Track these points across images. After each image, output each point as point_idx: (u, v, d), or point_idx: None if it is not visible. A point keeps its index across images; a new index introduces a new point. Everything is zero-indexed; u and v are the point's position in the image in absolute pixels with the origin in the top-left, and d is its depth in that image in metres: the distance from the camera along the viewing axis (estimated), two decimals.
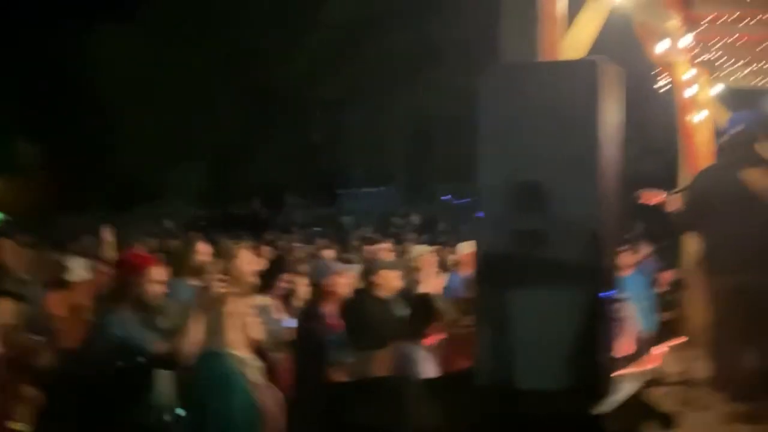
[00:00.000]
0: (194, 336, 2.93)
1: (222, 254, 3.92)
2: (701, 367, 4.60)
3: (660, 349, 5.83)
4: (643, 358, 5.84)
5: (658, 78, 6.54)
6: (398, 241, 9.50)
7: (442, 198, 23.91)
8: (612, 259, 2.55)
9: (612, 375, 2.52)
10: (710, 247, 4.19)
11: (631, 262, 7.42)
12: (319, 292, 4.06)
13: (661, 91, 6.58)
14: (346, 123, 22.40)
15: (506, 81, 2.56)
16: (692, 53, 6.01)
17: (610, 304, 2.44)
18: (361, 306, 4.07)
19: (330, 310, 3.95)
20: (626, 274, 7.28)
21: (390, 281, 4.43)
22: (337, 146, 22.78)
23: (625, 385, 2.55)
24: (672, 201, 4.36)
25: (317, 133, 23.45)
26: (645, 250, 8.18)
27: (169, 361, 2.92)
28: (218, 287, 2.97)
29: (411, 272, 5.32)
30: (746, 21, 5.43)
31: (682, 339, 5.65)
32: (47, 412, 2.91)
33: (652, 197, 4.60)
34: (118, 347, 2.98)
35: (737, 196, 3.98)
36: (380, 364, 2.11)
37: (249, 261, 3.85)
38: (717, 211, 4.08)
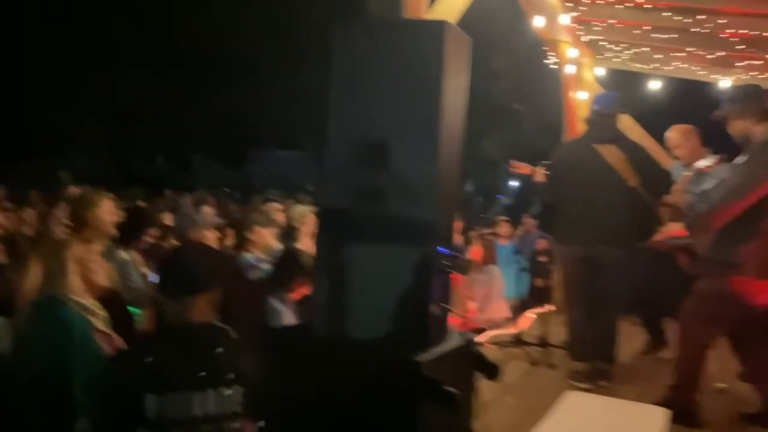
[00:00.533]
0: (31, 281, 2.81)
1: (81, 201, 3.78)
2: (560, 332, 4.92)
3: (528, 315, 6.18)
4: (512, 321, 6.18)
5: (548, 55, 6.78)
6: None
7: None
8: (450, 218, 2.65)
9: (444, 327, 2.64)
10: (561, 218, 4.45)
11: (508, 232, 7.82)
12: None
13: (551, 67, 6.83)
14: (261, 85, 21.87)
15: (357, 36, 2.56)
16: (574, 33, 6.27)
17: (445, 260, 2.54)
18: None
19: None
20: (503, 243, 7.66)
21: (263, 239, 4.44)
22: (250, 108, 22.26)
23: (455, 336, 2.68)
24: (538, 172, 4.58)
25: (229, 94, 22.76)
26: (529, 221, 8.56)
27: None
28: (61, 232, 2.86)
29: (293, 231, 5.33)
30: (624, 4, 5.70)
31: (551, 306, 6.00)
32: None
33: (522, 167, 4.82)
34: None
35: (588, 170, 4.24)
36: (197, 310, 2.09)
37: (110, 211, 3.73)
38: (570, 183, 4.34)
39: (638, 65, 7.10)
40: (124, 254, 3.92)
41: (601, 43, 6.76)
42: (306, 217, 5.21)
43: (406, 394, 2.30)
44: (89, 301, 2.89)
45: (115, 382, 2.07)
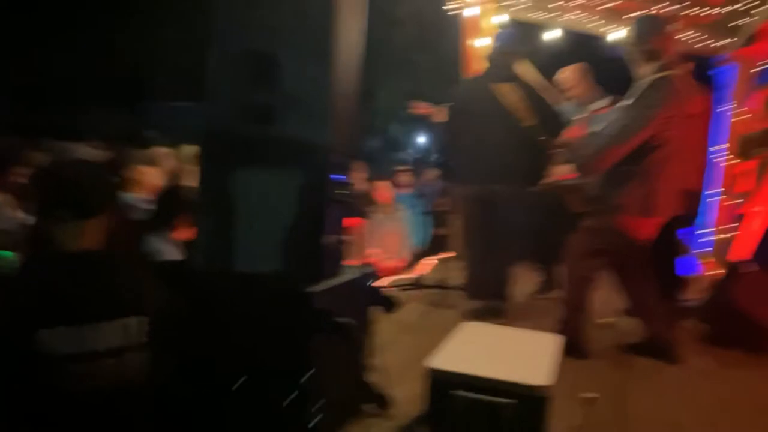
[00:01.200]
0: None
1: None
2: (458, 275, 4.98)
3: (429, 260, 6.24)
4: (413, 266, 6.22)
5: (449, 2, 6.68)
6: None
7: None
8: (347, 143, 2.52)
9: (339, 258, 2.54)
10: (459, 157, 4.45)
11: (408, 181, 7.79)
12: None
13: (451, 14, 6.74)
14: (160, 28, 20.45)
15: None
16: None
17: (340, 189, 2.42)
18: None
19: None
20: (404, 192, 7.64)
21: (146, 178, 4.14)
22: (144, 54, 20.85)
23: (351, 270, 2.59)
24: (438, 112, 4.53)
25: (121, 36, 21.14)
26: (430, 172, 8.59)
27: None
28: None
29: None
30: None
31: (451, 253, 6.06)
32: None
33: (422, 107, 4.75)
34: None
35: (485, 108, 4.23)
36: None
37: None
38: (467, 121, 4.32)
39: (536, 14, 7.15)
40: None
41: None
42: (194, 157, 4.93)
43: (298, 325, 2.18)
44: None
45: None
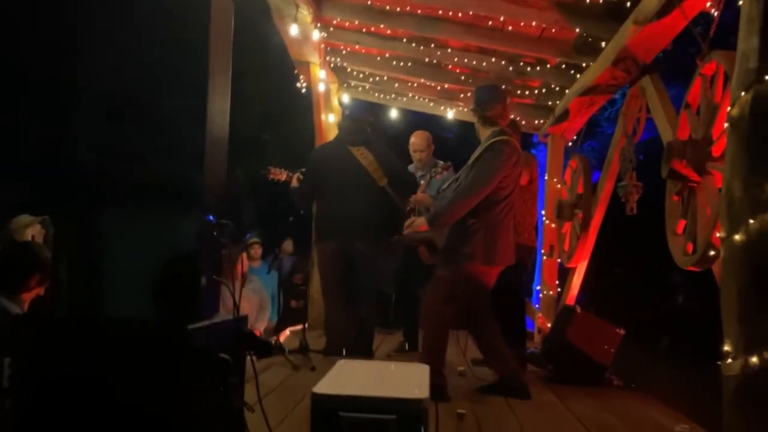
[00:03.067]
0: None
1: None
2: (319, 343, 5.03)
3: (287, 330, 6.20)
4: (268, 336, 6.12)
5: (300, 81, 6.98)
6: None
7: None
8: (219, 185, 2.56)
9: (215, 298, 2.52)
10: (318, 216, 4.64)
11: (258, 254, 7.66)
12: None
13: (303, 91, 7.04)
14: None
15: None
16: (324, 55, 6.59)
17: (215, 228, 2.45)
18: None
19: None
20: (255, 265, 7.51)
21: None
22: None
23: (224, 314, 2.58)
24: (294, 177, 4.70)
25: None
26: (285, 244, 8.49)
27: None
28: None
29: None
30: (366, 31, 6.17)
31: (304, 324, 6.08)
32: None
33: (278, 173, 4.90)
34: None
35: (341, 169, 4.49)
36: None
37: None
38: (324, 182, 4.54)
39: (378, 95, 7.70)
40: None
41: (348, 70, 7.22)
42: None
43: (177, 363, 2.12)
44: None
45: None
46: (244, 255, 7.08)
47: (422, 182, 4.70)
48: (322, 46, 6.40)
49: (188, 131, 2.34)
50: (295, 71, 6.75)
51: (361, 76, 7.23)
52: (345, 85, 7.49)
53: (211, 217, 2.49)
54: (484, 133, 3.95)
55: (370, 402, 2.08)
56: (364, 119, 4.71)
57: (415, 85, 7.32)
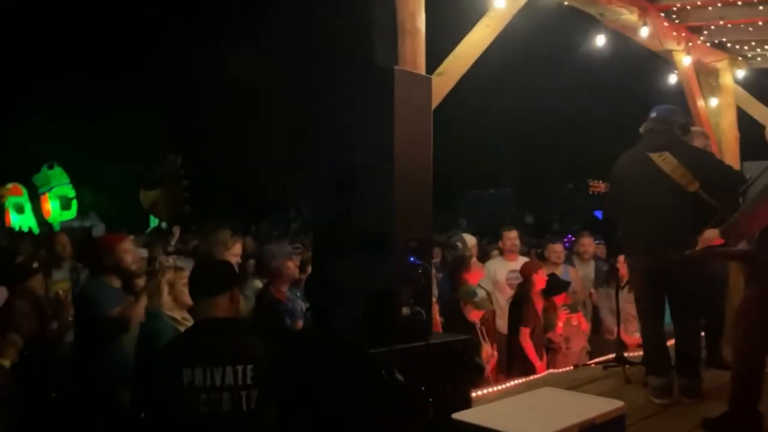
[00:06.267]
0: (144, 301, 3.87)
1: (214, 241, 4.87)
2: None
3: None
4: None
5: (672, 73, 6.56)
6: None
7: None
8: (417, 233, 3.06)
9: (419, 326, 3.03)
10: (625, 230, 4.42)
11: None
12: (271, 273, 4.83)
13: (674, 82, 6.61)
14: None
15: (337, 84, 3.17)
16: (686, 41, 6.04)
17: (414, 270, 2.98)
18: None
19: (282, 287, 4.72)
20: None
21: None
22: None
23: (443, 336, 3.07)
24: (600, 186, 4.62)
25: None
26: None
27: (122, 322, 3.85)
28: (163, 262, 3.87)
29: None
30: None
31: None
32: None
33: (598, 186, 4.88)
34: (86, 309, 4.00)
35: (643, 179, 4.19)
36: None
37: (236, 253, 4.76)
38: (628, 194, 4.30)
39: None
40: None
41: (728, 45, 6.39)
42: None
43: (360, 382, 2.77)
44: (179, 314, 3.83)
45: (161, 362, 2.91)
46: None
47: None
48: (683, 34, 5.91)
49: (383, 193, 2.96)
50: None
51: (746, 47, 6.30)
52: (740, 58, 6.60)
53: (413, 259, 3.03)
54: None
55: None
56: (672, 120, 4.29)
57: None
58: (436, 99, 3.93)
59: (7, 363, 3.51)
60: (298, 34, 21.23)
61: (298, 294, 4.62)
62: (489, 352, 5.01)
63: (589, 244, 7.10)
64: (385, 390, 2.75)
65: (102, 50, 24.26)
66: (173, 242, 8.19)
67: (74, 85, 24.76)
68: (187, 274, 3.83)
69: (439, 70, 4.04)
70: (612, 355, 5.23)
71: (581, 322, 5.84)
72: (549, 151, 23.47)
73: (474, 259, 5.66)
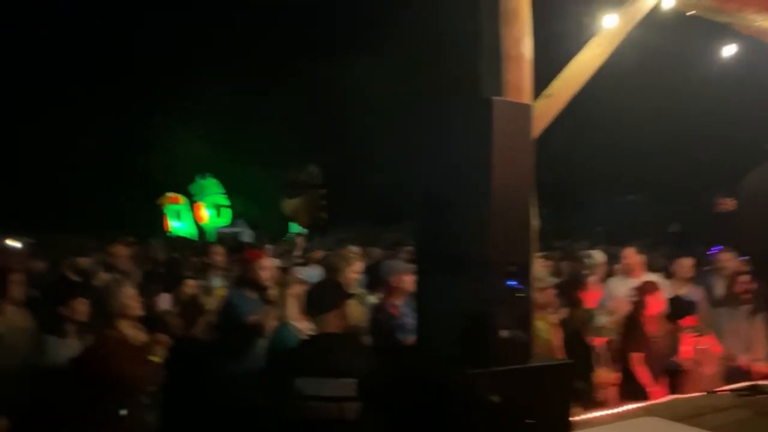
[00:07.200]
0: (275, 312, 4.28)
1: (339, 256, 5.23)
2: None
3: None
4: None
5: None
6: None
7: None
8: (512, 257, 3.14)
9: (518, 349, 3.10)
10: (755, 251, 4.14)
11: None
12: (387, 287, 5.05)
13: None
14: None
15: (438, 111, 3.34)
16: None
17: (512, 292, 3.07)
18: None
19: (396, 301, 4.92)
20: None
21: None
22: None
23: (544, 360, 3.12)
24: (729, 204, 4.37)
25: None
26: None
27: (258, 329, 4.30)
28: (291, 274, 4.25)
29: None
30: None
31: None
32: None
33: (727, 204, 4.63)
34: (228, 316, 4.51)
35: None
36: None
37: (356, 270, 5.11)
38: (758, 213, 4.04)
39: None
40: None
41: None
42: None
43: (458, 402, 2.90)
44: (304, 325, 4.19)
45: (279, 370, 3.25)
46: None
47: None
48: None
49: (480, 219, 3.10)
50: None
51: None
52: None
53: (511, 282, 3.13)
54: None
55: None
56: None
57: None
58: (544, 121, 3.98)
59: (157, 359, 4.03)
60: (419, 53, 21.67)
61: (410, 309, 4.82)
62: (606, 376, 4.90)
63: (729, 259, 6.67)
64: (483, 412, 2.87)
65: (245, 66, 26.23)
66: (297, 252, 8.76)
67: (223, 100, 26.96)
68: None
69: (547, 91, 4.06)
70: (745, 383, 4.91)
71: (711, 345, 5.52)
72: (695, 159, 21.91)
73: (593, 278, 5.55)
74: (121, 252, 7.00)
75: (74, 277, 6.15)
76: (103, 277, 5.88)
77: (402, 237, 19.70)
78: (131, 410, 3.67)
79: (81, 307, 4.37)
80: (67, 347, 4.10)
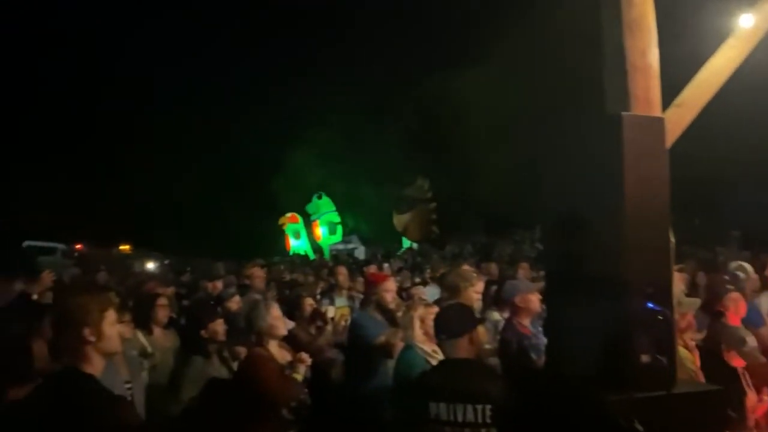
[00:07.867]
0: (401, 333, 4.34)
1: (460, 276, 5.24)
2: None
3: None
4: None
5: None
6: None
7: None
8: (650, 277, 3.00)
9: (659, 374, 2.95)
10: None
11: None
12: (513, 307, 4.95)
13: None
14: None
15: (566, 126, 3.29)
16: None
17: (652, 315, 2.94)
18: None
19: (523, 321, 4.81)
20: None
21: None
22: None
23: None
24: None
25: None
26: None
27: (386, 349, 4.37)
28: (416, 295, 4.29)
29: None
30: None
31: None
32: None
33: None
34: (356, 337, 4.62)
35: None
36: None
37: (478, 290, 5.09)
38: None
39: None
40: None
41: None
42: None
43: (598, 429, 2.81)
44: (429, 347, 4.22)
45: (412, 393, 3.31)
46: None
47: None
48: None
49: (613, 239, 3.01)
50: None
51: None
52: None
53: (650, 305, 3.00)
54: None
55: None
56: None
57: None
58: (676, 132, 3.78)
59: (299, 377, 4.19)
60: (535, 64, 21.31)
61: (540, 328, 4.71)
62: (754, 401, 4.52)
63: None
64: None
65: (356, 85, 27.05)
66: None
67: (333, 122, 27.92)
68: (436, 309, 4.21)
69: (677, 101, 3.85)
70: None
71: None
72: None
73: (735, 293, 5.14)
74: (257, 273, 7.35)
75: (211, 299, 6.52)
76: (237, 299, 6.17)
77: (518, 249, 19.42)
78: (275, 425, 3.83)
79: (219, 329, 4.66)
80: (212, 367, 4.38)
